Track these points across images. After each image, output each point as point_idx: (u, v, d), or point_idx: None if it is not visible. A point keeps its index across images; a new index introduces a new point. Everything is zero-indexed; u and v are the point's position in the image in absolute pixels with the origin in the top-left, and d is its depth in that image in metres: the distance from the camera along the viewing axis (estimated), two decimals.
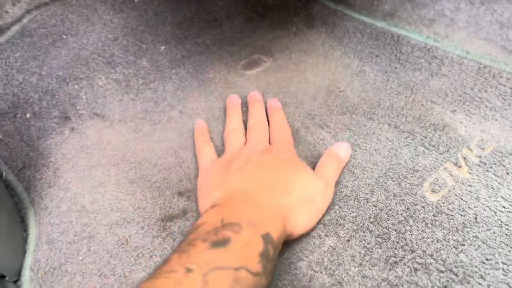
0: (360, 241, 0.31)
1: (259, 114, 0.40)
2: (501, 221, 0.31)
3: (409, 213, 0.32)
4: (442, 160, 0.35)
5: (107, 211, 0.35)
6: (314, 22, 0.50)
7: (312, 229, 0.32)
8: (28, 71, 0.45)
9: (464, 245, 0.30)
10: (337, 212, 0.33)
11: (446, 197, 0.33)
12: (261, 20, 0.51)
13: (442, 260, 0.29)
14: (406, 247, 0.30)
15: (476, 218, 0.31)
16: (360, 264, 0.30)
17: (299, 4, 0.52)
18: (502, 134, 0.36)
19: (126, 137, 0.40)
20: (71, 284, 0.31)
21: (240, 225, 0.26)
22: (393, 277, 0.29)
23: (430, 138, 0.37)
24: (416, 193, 0.33)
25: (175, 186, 0.36)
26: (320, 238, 0.31)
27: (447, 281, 0.28)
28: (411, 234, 0.31)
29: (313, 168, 0.35)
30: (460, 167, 0.34)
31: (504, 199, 0.32)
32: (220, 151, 0.38)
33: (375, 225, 0.32)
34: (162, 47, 0.48)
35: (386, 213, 0.32)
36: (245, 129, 0.39)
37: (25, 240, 0.34)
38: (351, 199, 0.33)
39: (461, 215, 0.31)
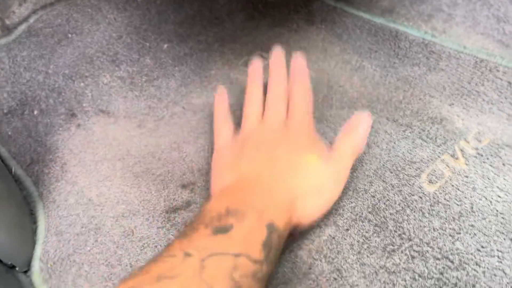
0: (359, 230, 0.32)
1: (279, 83, 0.37)
2: (497, 210, 0.31)
3: (407, 203, 0.33)
4: (439, 152, 0.36)
5: (113, 204, 0.36)
6: (314, 19, 0.51)
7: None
8: (35, 70, 0.46)
9: (460, 233, 0.31)
10: (336, 202, 0.33)
11: (443, 187, 0.33)
12: (262, 18, 0.52)
13: (438, 248, 0.30)
14: (404, 235, 0.31)
15: (472, 208, 0.32)
16: (359, 252, 0.30)
17: (299, 2, 0.52)
18: (499, 126, 0.37)
19: (131, 132, 0.41)
20: (79, 273, 0.32)
21: (245, 213, 0.26)
22: (390, 265, 0.30)
23: (428, 131, 0.38)
24: (413, 184, 0.34)
25: (178, 179, 0.37)
26: (320, 228, 0.32)
27: (443, 268, 0.29)
28: (409, 223, 0.32)
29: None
30: (457, 158, 0.35)
31: (500, 189, 0.33)
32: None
33: (373, 215, 0.32)
34: (165, 45, 0.49)
35: (384, 203, 0.33)
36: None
37: (34, 232, 0.35)
38: (349, 190, 0.34)
39: (458, 205, 0.32)
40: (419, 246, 0.30)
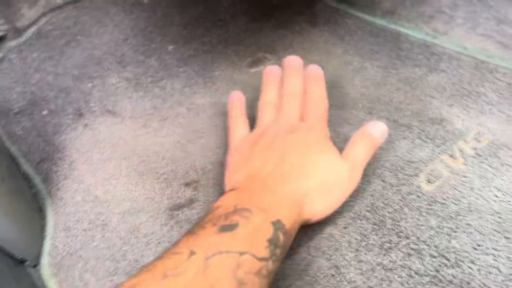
0: (357, 228, 0.32)
1: (293, 87, 0.37)
2: (493, 210, 0.32)
3: (405, 202, 0.33)
4: (438, 153, 0.36)
5: (119, 201, 0.37)
6: (317, 21, 0.52)
7: None
8: (44, 71, 0.47)
9: (456, 232, 0.31)
10: None
11: (441, 187, 0.34)
12: (266, 20, 0.53)
13: (435, 246, 0.30)
14: (401, 233, 0.32)
15: (469, 207, 0.32)
16: (356, 250, 0.31)
17: (303, 4, 0.53)
18: (499, 127, 0.37)
19: (136, 132, 0.42)
20: (86, 268, 0.33)
21: (251, 211, 0.27)
22: (387, 262, 0.30)
23: (428, 131, 0.38)
24: (412, 183, 0.35)
25: (182, 178, 0.38)
26: (319, 225, 0.33)
27: (439, 265, 0.29)
28: (406, 222, 0.32)
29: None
30: (455, 159, 0.36)
31: (497, 189, 0.33)
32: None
33: (371, 213, 0.33)
34: (170, 47, 0.50)
35: (383, 202, 0.34)
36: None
37: (43, 228, 0.37)
38: None
39: (455, 204, 0.33)
40: (416, 244, 0.31)
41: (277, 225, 0.27)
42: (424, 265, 0.30)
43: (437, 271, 0.29)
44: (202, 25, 0.52)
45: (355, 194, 0.34)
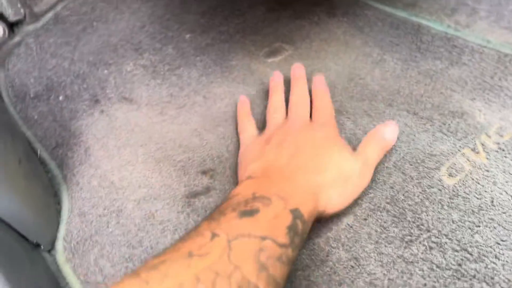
0: (377, 220, 0.32)
1: (301, 91, 0.39)
2: None
3: (426, 195, 0.33)
4: (460, 146, 0.36)
5: (134, 188, 0.37)
6: (336, 11, 0.51)
7: None
8: (61, 56, 0.47)
9: (479, 226, 0.30)
10: None
11: (463, 181, 0.33)
12: (283, 10, 0.52)
13: (457, 240, 0.30)
14: (422, 226, 0.31)
15: (492, 202, 0.32)
16: (376, 242, 0.31)
17: None
18: None
19: (153, 119, 0.42)
20: (101, 254, 0.33)
21: (270, 198, 0.27)
22: (408, 255, 0.30)
23: (449, 124, 0.37)
24: (433, 176, 0.34)
25: (199, 166, 0.38)
26: (338, 217, 0.32)
27: (462, 259, 0.29)
28: (427, 215, 0.32)
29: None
30: (477, 153, 0.35)
31: None
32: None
33: (391, 206, 0.33)
34: (187, 35, 0.50)
35: (403, 195, 0.33)
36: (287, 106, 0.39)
37: (58, 213, 0.36)
38: None
39: (478, 198, 0.32)
40: (438, 237, 0.30)
41: (296, 213, 0.27)
42: (446, 259, 0.29)
43: (460, 265, 0.29)
44: (220, 14, 0.52)
45: (375, 186, 0.34)
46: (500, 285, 0.27)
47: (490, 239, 0.30)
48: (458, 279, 0.28)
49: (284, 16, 0.52)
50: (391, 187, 0.34)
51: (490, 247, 0.29)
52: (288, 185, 0.29)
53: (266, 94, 0.43)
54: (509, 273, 0.28)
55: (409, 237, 0.31)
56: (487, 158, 0.34)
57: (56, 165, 0.40)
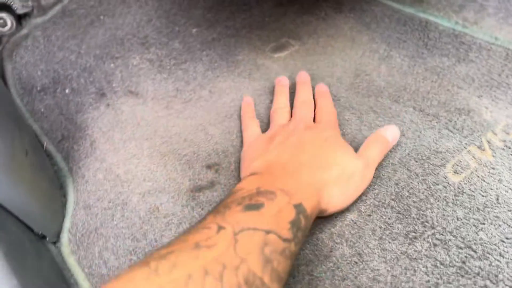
0: (381, 216, 0.32)
1: (306, 94, 0.40)
2: None
3: (431, 192, 0.33)
4: (465, 143, 0.35)
5: (139, 181, 0.37)
6: (342, 7, 0.51)
7: None
8: (68, 49, 0.47)
9: (484, 224, 0.30)
10: None
11: (468, 178, 0.33)
12: (290, 5, 0.52)
13: (461, 237, 0.30)
14: (426, 223, 0.31)
15: (497, 199, 0.32)
16: (380, 238, 0.31)
17: None
18: None
19: (158, 113, 0.42)
20: (106, 246, 0.33)
21: (275, 193, 0.27)
22: (412, 251, 0.30)
23: (455, 121, 0.37)
24: (438, 173, 0.34)
25: (204, 160, 0.38)
26: (342, 212, 0.32)
27: (466, 257, 0.29)
28: (432, 212, 0.31)
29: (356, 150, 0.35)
30: (483, 150, 0.35)
31: None
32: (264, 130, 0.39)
33: (396, 202, 0.32)
34: (194, 30, 0.50)
35: (408, 191, 0.33)
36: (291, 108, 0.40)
37: (64, 205, 0.37)
38: (373, 177, 0.34)
39: (483, 196, 0.32)
40: (442, 234, 0.30)
41: (299, 208, 0.27)
42: (450, 256, 0.29)
43: (464, 262, 0.29)
44: (226, 9, 0.52)
45: (380, 182, 0.34)
46: (504, 282, 0.27)
47: (495, 236, 0.30)
48: (462, 276, 0.28)
49: (291, 11, 0.52)
50: (396, 184, 0.34)
51: (495, 244, 0.29)
52: (292, 180, 0.30)
53: (271, 89, 0.43)
54: None
55: (413, 234, 0.30)
56: (493, 156, 0.34)
57: (62, 158, 0.40)
